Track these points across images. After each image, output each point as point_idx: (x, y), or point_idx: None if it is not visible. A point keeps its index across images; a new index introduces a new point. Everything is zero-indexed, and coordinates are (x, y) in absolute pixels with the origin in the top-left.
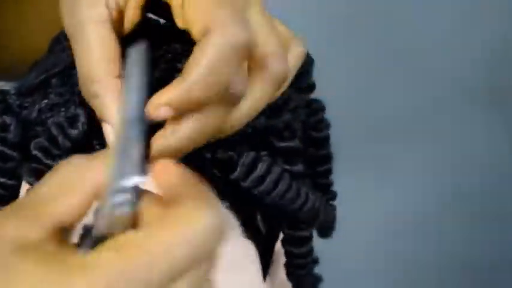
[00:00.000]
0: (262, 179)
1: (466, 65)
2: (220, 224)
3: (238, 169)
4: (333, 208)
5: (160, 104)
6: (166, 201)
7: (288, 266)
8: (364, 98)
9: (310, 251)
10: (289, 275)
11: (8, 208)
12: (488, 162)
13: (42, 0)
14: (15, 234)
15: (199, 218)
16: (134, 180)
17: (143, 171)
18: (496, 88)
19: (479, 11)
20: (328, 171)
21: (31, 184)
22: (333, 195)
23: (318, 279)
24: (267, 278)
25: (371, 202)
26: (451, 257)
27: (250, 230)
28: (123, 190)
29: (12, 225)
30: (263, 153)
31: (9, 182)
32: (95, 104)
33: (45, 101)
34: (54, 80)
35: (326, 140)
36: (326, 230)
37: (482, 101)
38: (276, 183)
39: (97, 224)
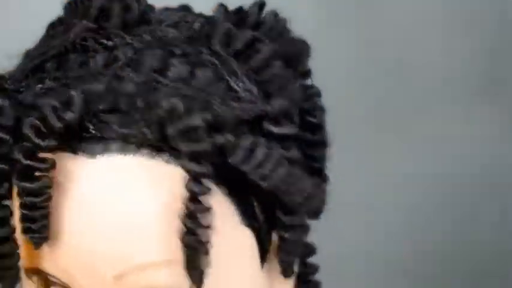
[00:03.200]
0: (262, 162)
1: (465, 56)
2: None
3: (238, 153)
4: (323, 191)
5: None
6: None
7: (279, 251)
8: (359, 87)
9: (301, 237)
10: (281, 261)
11: None
12: (488, 153)
13: None
14: None
15: None
16: None
17: None
18: (496, 79)
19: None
20: (322, 156)
21: (19, 162)
22: (325, 179)
23: (317, 284)
24: (265, 266)
25: (367, 194)
26: (453, 248)
27: (248, 217)
28: None
29: None
30: (260, 139)
31: (1, 166)
32: None
33: (40, 85)
34: (49, 65)
35: (321, 125)
36: (315, 213)
37: (481, 93)
38: (275, 168)
39: None
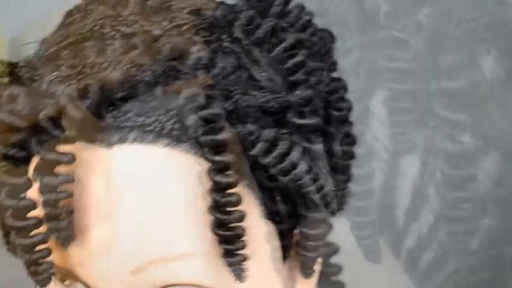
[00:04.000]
0: (282, 157)
1: None
2: None
3: (259, 145)
4: (347, 192)
5: None
6: None
7: (300, 248)
8: None
9: (323, 234)
10: (301, 259)
11: None
12: None
13: None
14: None
15: None
16: None
17: None
18: None
19: None
20: (348, 153)
21: (39, 155)
22: (349, 177)
23: (341, 285)
24: (287, 263)
25: None
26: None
27: (270, 211)
28: None
29: None
30: (283, 130)
31: (19, 153)
32: None
33: (56, 73)
34: (65, 52)
35: (346, 119)
36: (333, 212)
37: None
38: (296, 163)
39: None
